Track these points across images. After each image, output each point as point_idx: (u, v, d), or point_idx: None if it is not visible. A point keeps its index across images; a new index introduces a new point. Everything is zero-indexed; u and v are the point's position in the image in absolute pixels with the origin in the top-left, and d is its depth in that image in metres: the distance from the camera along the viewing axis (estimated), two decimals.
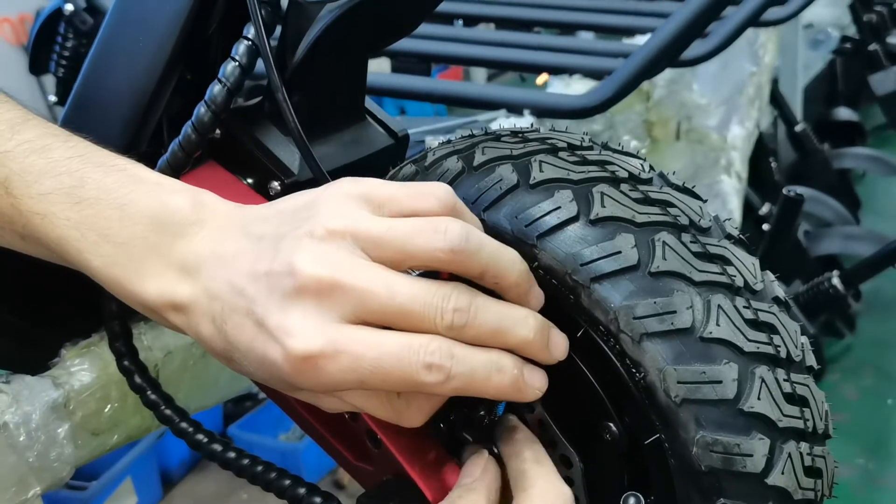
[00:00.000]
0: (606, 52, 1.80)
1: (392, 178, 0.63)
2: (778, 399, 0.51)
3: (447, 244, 0.50)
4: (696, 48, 1.69)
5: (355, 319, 0.49)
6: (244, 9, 0.64)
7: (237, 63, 0.64)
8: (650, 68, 1.42)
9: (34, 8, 2.28)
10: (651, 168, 0.60)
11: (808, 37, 3.67)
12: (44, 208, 0.55)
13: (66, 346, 0.82)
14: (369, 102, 0.77)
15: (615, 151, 0.61)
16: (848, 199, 3.40)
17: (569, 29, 2.46)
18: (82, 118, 0.73)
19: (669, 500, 0.54)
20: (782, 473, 0.51)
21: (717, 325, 0.51)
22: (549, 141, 0.60)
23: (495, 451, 0.58)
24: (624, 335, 0.52)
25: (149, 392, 0.69)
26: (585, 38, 2.63)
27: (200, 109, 0.65)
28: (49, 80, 1.91)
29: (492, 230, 0.55)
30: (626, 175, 0.57)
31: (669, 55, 1.42)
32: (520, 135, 0.62)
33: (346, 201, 0.52)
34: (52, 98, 1.76)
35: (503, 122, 1.46)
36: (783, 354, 0.53)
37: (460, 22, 2.43)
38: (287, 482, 0.64)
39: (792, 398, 0.52)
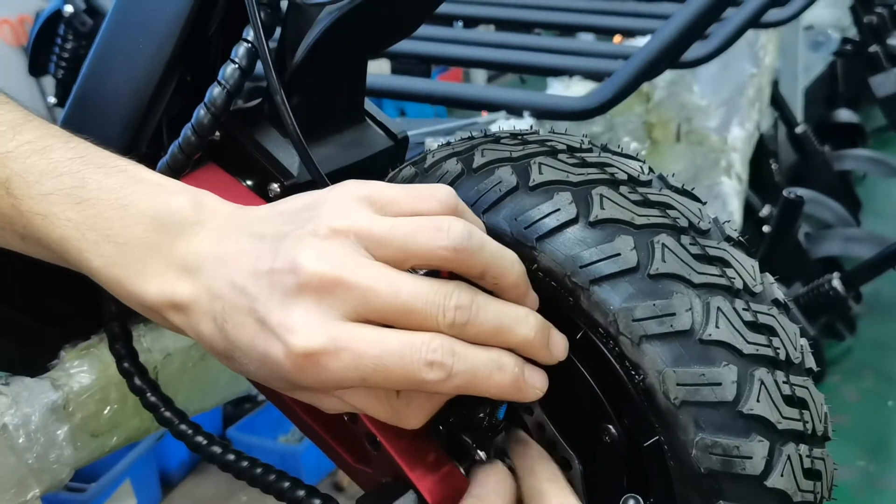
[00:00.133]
0: (606, 54, 1.80)
1: (391, 180, 0.64)
2: (777, 401, 0.51)
3: (450, 242, 0.50)
4: (697, 50, 1.69)
5: (357, 317, 0.50)
6: (244, 11, 0.64)
7: (237, 65, 0.64)
8: (650, 70, 1.42)
9: (34, 9, 2.28)
10: (650, 170, 0.60)
11: (808, 38, 3.67)
12: (45, 209, 0.55)
13: (66, 348, 0.82)
14: (369, 104, 0.77)
15: (614, 154, 0.61)
16: (848, 201, 3.40)
17: (569, 30, 2.46)
18: (82, 119, 0.73)
19: (669, 502, 0.54)
20: (782, 475, 0.51)
21: (717, 327, 0.51)
22: (549, 143, 0.60)
23: (507, 461, 0.58)
24: (623, 337, 0.52)
25: (149, 394, 0.69)
26: (585, 40, 2.63)
27: (200, 112, 0.65)
28: (48, 82, 1.92)
29: (491, 232, 0.55)
30: (625, 177, 0.57)
31: (669, 57, 1.42)
32: (519, 137, 0.62)
33: (349, 202, 0.52)
34: (52, 99, 1.76)
35: (503, 123, 1.46)
36: (782, 356, 0.53)
37: (460, 23, 2.43)
38: (286, 484, 0.64)
39: (791, 400, 0.52)
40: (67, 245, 0.55)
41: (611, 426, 0.56)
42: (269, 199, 0.70)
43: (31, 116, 0.59)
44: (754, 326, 0.53)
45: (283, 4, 0.68)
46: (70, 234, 0.55)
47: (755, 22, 1.75)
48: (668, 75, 1.91)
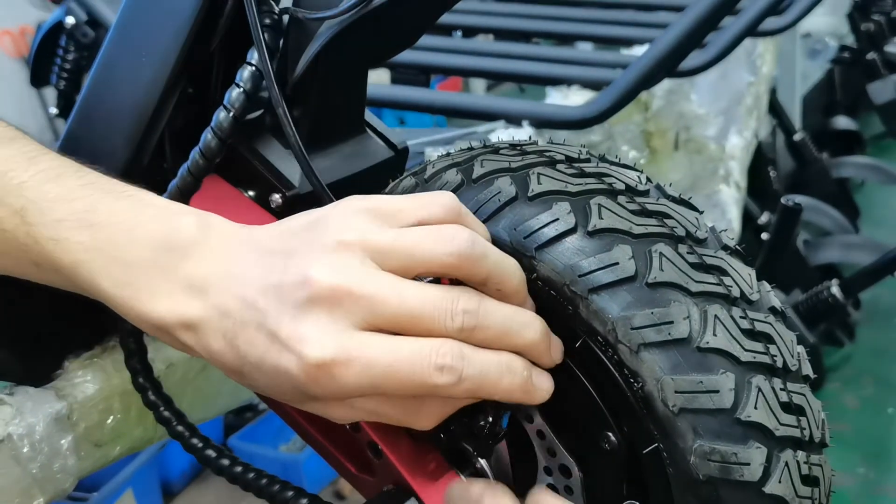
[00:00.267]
0: (605, 63, 1.80)
1: (392, 191, 0.64)
2: (775, 408, 0.52)
3: (454, 249, 0.51)
4: (695, 58, 1.70)
5: (367, 326, 0.50)
6: (246, 25, 0.64)
7: (242, 89, 0.65)
8: (648, 79, 1.42)
9: (35, 20, 2.29)
10: (648, 180, 0.60)
11: (806, 46, 3.68)
12: (57, 234, 0.56)
13: (70, 359, 0.82)
14: (369, 115, 0.78)
15: (612, 163, 0.61)
16: (847, 208, 3.40)
17: (567, 40, 2.47)
18: (86, 132, 0.74)
19: None
20: (779, 482, 0.51)
21: (714, 335, 0.52)
22: (547, 153, 0.61)
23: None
24: (622, 345, 0.52)
25: (162, 409, 0.69)
26: (584, 49, 2.63)
27: (207, 136, 0.66)
28: (50, 93, 1.92)
29: (491, 242, 0.55)
30: (623, 187, 0.58)
31: (668, 66, 1.43)
32: (518, 147, 0.62)
33: (355, 215, 0.53)
34: (53, 110, 1.76)
35: (502, 132, 1.46)
36: (780, 364, 0.53)
37: (459, 33, 2.44)
38: (289, 493, 0.65)
39: (789, 407, 0.53)
40: (79, 269, 0.56)
41: (610, 433, 0.56)
42: (270, 210, 0.70)
43: (45, 150, 0.61)
44: (752, 334, 0.53)
45: (284, 18, 0.68)
46: (81, 258, 0.56)
47: (753, 30, 1.76)
48: (666, 84, 1.91)
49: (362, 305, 0.50)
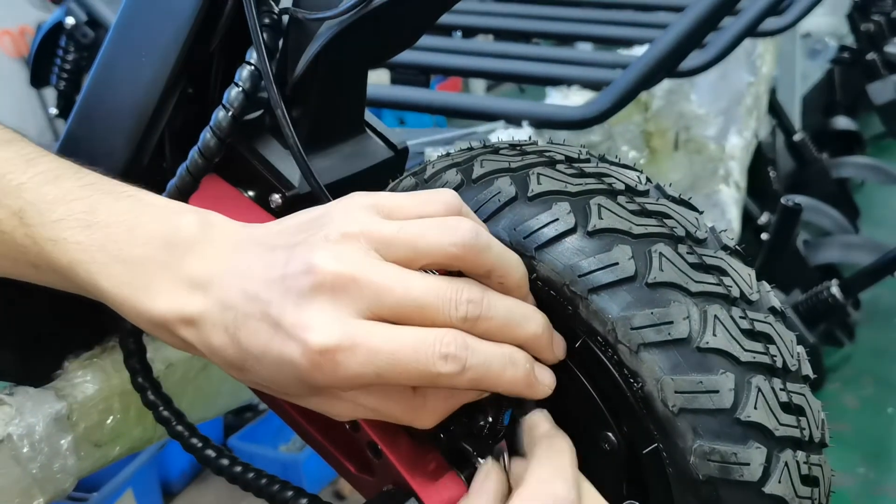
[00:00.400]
0: (605, 63, 1.80)
1: (392, 191, 0.64)
2: (774, 408, 0.52)
3: (459, 239, 0.51)
4: (694, 59, 1.70)
5: (371, 315, 0.50)
6: (246, 25, 0.64)
7: (241, 88, 0.65)
8: (648, 79, 1.42)
9: (35, 21, 2.29)
10: (648, 180, 0.60)
11: (805, 46, 3.68)
12: (56, 234, 0.56)
13: (69, 359, 0.82)
14: (369, 115, 0.78)
15: (612, 164, 0.61)
16: (847, 208, 3.40)
17: (567, 40, 2.47)
18: (86, 132, 0.74)
19: None
20: (779, 482, 0.51)
21: (714, 335, 0.52)
22: (547, 154, 0.61)
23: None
24: (621, 345, 0.52)
25: (161, 408, 0.69)
26: (584, 49, 2.63)
27: (206, 135, 0.66)
28: (50, 93, 1.92)
29: None
30: (623, 187, 0.58)
31: (667, 66, 1.43)
32: (518, 147, 0.62)
33: (358, 210, 0.53)
34: (53, 111, 1.77)
35: (502, 133, 1.46)
36: (779, 364, 0.53)
37: (459, 33, 2.44)
38: (289, 493, 0.65)
39: (788, 407, 0.53)
40: (77, 268, 0.56)
41: (610, 434, 0.56)
42: (270, 210, 0.70)
43: (44, 152, 0.61)
44: (751, 334, 0.53)
45: (284, 18, 0.68)
46: (79, 258, 0.56)
47: (752, 31, 1.76)
48: (666, 84, 1.91)
49: (366, 294, 0.50)
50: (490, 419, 0.59)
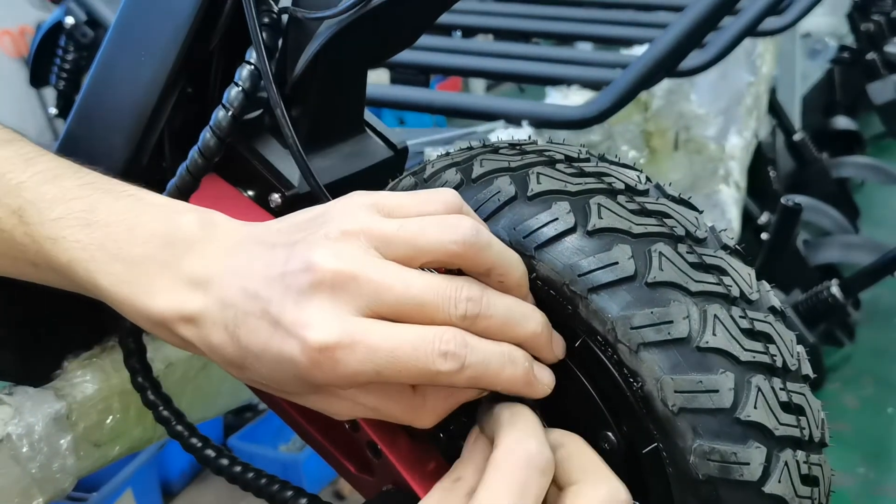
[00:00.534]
0: (604, 63, 1.81)
1: (391, 190, 0.64)
2: (774, 408, 0.52)
3: (459, 237, 0.51)
4: (694, 58, 1.70)
5: (370, 313, 0.50)
6: (245, 24, 0.64)
7: (240, 88, 0.65)
8: (648, 79, 1.42)
9: (35, 20, 2.29)
10: (647, 179, 0.60)
11: (805, 46, 3.68)
12: (55, 233, 0.56)
13: (69, 358, 0.82)
14: (368, 115, 0.78)
15: (612, 163, 0.61)
16: (847, 208, 3.40)
17: (567, 40, 2.47)
18: (85, 132, 0.74)
19: None
20: (779, 482, 0.51)
21: (714, 334, 0.52)
22: (547, 153, 0.61)
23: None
24: (621, 345, 0.52)
25: (161, 408, 0.69)
26: (583, 49, 2.63)
27: (206, 135, 0.66)
28: (49, 93, 1.92)
29: None
30: (622, 186, 0.58)
31: (667, 66, 1.43)
32: (517, 147, 0.62)
33: (358, 208, 0.53)
34: (53, 110, 1.77)
35: (501, 132, 1.46)
36: (779, 363, 0.53)
37: (459, 33, 2.44)
38: (289, 493, 0.65)
39: (788, 407, 0.53)
40: (76, 267, 0.56)
41: (610, 433, 0.56)
42: (270, 210, 0.70)
43: (43, 151, 0.61)
44: (751, 334, 0.53)
45: (284, 18, 0.68)
46: (79, 256, 0.56)
47: (752, 30, 1.76)
48: (666, 84, 1.92)
49: (366, 291, 0.50)
50: None
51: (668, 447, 0.52)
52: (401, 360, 0.49)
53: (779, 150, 3.45)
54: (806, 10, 2.19)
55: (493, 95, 4.39)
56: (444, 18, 2.21)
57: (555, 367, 0.55)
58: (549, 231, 0.55)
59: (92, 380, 0.82)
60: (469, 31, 2.44)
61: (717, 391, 0.51)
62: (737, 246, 0.59)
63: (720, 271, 0.55)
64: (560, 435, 0.55)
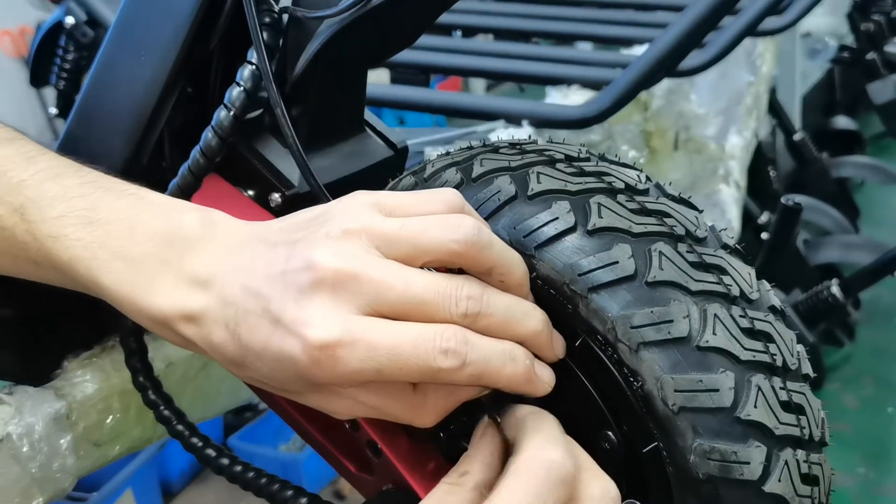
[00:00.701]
0: (604, 63, 1.81)
1: (392, 189, 0.64)
2: (774, 407, 0.52)
3: (460, 236, 0.51)
4: (694, 58, 1.70)
5: (371, 311, 0.50)
6: (246, 24, 0.64)
7: (242, 88, 0.65)
8: (648, 79, 1.42)
9: (35, 20, 2.29)
10: (647, 179, 0.60)
11: (805, 46, 3.68)
12: (56, 231, 0.56)
13: (69, 358, 0.82)
14: (368, 114, 0.78)
15: (612, 163, 0.61)
16: (847, 208, 3.40)
17: (567, 39, 2.47)
18: (85, 131, 0.74)
19: None
20: (779, 481, 0.51)
21: (714, 334, 0.52)
22: (547, 153, 0.61)
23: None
24: (621, 344, 0.52)
25: (161, 408, 0.70)
26: (583, 49, 2.64)
27: (208, 135, 0.66)
28: (49, 93, 1.92)
29: None
30: (622, 186, 0.58)
31: (667, 65, 1.43)
32: (517, 147, 0.62)
33: (359, 207, 0.53)
34: (53, 110, 1.77)
35: (501, 132, 1.46)
36: (779, 363, 0.53)
37: (459, 33, 2.44)
38: (289, 492, 0.65)
39: (788, 406, 0.53)
40: (77, 264, 0.56)
41: (610, 432, 0.56)
42: (270, 209, 0.70)
43: (44, 150, 0.61)
44: (751, 333, 0.53)
45: (284, 17, 0.68)
46: (80, 254, 0.56)
47: (752, 30, 1.76)
48: (665, 84, 1.92)
49: (367, 290, 0.50)
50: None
51: (669, 446, 0.52)
52: (402, 358, 0.49)
53: (779, 149, 3.45)
54: (806, 9, 2.19)
55: (493, 95, 4.40)
56: (444, 18, 2.21)
57: (555, 366, 0.55)
58: (550, 230, 0.55)
59: (92, 379, 0.82)
60: (469, 31, 2.44)
61: (717, 390, 0.51)
62: (737, 245, 0.59)
63: (720, 270, 0.55)
64: (524, 410, 0.55)
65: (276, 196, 0.70)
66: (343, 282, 0.50)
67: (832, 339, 2.91)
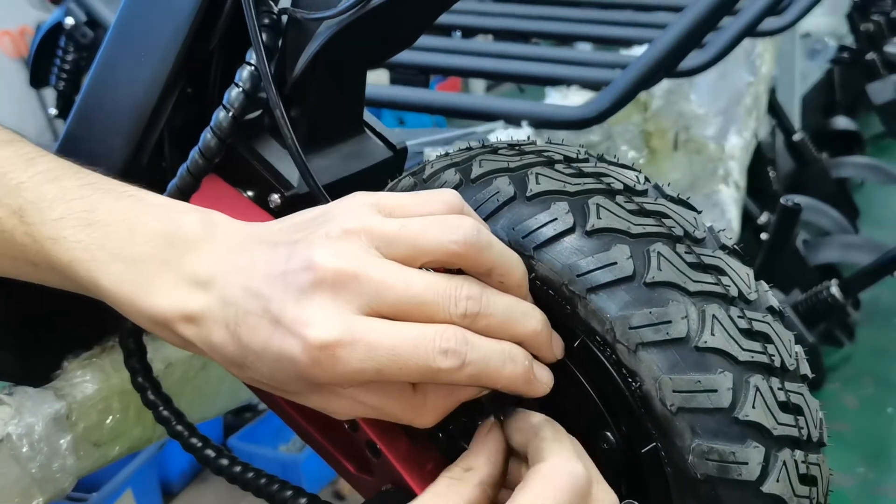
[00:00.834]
0: (604, 63, 1.81)
1: (391, 190, 0.64)
2: (772, 407, 0.52)
3: (460, 237, 0.51)
4: (694, 59, 1.70)
5: (371, 312, 0.50)
6: (245, 25, 0.64)
7: (241, 89, 0.65)
8: (648, 79, 1.42)
9: (34, 21, 2.29)
10: (646, 180, 0.60)
11: (805, 46, 3.68)
12: (56, 233, 0.57)
13: (69, 359, 0.82)
14: (368, 115, 0.78)
15: (610, 164, 0.61)
16: (846, 208, 3.40)
17: (566, 40, 2.47)
18: (85, 132, 0.74)
19: None
20: (777, 481, 0.51)
21: (712, 334, 0.52)
22: (546, 153, 0.61)
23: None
24: (620, 345, 0.53)
25: (161, 408, 0.70)
26: (583, 49, 2.64)
27: (207, 135, 0.66)
28: (49, 93, 1.92)
29: None
30: (621, 187, 0.58)
31: (667, 66, 1.43)
32: (516, 147, 0.63)
33: (359, 208, 0.53)
34: (53, 111, 1.77)
35: (501, 133, 1.46)
36: (777, 363, 0.53)
37: (458, 33, 2.44)
38: (288, 493, 0.65)
39: (786, 406, 0.53)
40: (77, 266, 0.56)
41: (609, 433, 0.56)
42: (269, 210, 0.70)
43: (43, 152, 0.61)
44: (749, 334, 0.53)
45: (283, 18, 0.68)
46: (80, 256, 0.56)
47: (752, 31, 1.76)
48: (665, 84, 1.92)
49: (367, 290, 0.50)
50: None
51: (667, 447, 0.52)
52: (401, 358, 0.50)
53: (778, 150, 3.45)
54: (805, 10, 2.19)
55: (492, 96, 4.39)
56: (444, 19, 2.21)
57: (554, 366, 0.55)
58: (548, 231, 0.55)
59: (92, 380, 0.82)
60: (469, 32, 2.44)
61: (715, 391, 0.51)
62: (735, 246, 0.59)
63: (718, 271, 0.55)
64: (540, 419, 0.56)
65: (275, 197, 0.70)
66: (343, 282, 0.50)
67: (832, 340, 2.91)
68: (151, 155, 0.73)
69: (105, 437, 0.84)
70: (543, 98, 1.69)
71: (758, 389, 0.52)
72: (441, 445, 0.61)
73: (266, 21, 0.66)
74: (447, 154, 0.65)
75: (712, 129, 2.18)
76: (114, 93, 0.72)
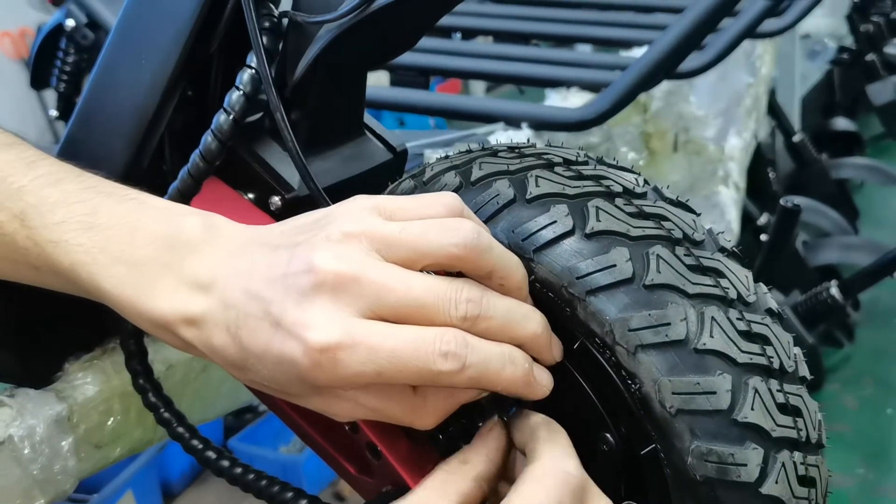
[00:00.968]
0: (604, 65, 1.81)
1: (391, 193, 0.64)
2: (771, 409, 0.52)
3: (460, 240, 0.51)
4: (693, 60, 1.70)
5: (371, 314, 0.51)
6: (246, 28, 0.65)
7: (242, 92, 0.66)
8: (647, 80, 1.42)
9: (35, 22, 2.29)
10: (645, 182, 0.60)
11: (805, 47, 3.68)
12: (57, 236, 0.57)
13: (70, 360, 0.83)
14: (368, 117, 0.78)
15: (610, 166, 0.62)
16: (846, 209, 3.40)
17: (566, 42, 2.47)
18: (86, 134, 0.74)
19: None
20: (776, 483, 0.51)
21: (711, 336, 0.52)
22: (545, 156, 0.61)
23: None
24: (619, 347, 0.53)
25: (162, 410, 0.70)
26: (583, 51, 2.64)
27: (207, 138, 0.66)
28: (50, 95, 1.92)
29: None
30: (620, 189, 0.58)
31: (666, 67, 1.43)
32: (516, 150, 0.63)
33: (360, 211, 0.53)
34: (53, 113, 1.77)
35: (501, 135, 1.46)
36: (776, 365, 0.53)
37: (458, 35, 2.44)
38: (289, 494, 0.65)
39: (785, 408, 0.53)
40: (78, 269, 0.56)
41: (608, 435, 0.56)
42: (270, 213, 0.70)
43: (44, 155, 0.62)
44: (748, 335, 0.53)
45: (284, 21, 0.68)
46: (81, 259, 0.56)
47: (752, 32, 1.76)
48: (665, 86, 1.91)
49: (367, 293, 0.50)
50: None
51: (666, 448, 0.53)
52: (402, 361, 0.50)
53: (778, 151, 3.45)
54: (805, 11, 2.19)
55: (492, 97, 4.40)
56: (444, 20, 2.20)
57: (553, 369, 0.55)
58: (548, 234, 0.55)
59: (93, 381, 0.82)
60: (469, 34, 2.44)
61: (714, 393, 0.51)
62: (734, 248, 0.59)
63: (717, 273, 0.55)
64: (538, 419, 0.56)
65: (275, 199, 0.70)
66: (343, 284, 0.50)
67: (832, 341, 2.91)
68: (152, 158, 0.73)
69: (106, 439, 0.84)
70: (543, 100, 1.69)
71: (756, 391, 0.52)
72: (441, 447, 0.61)
73: (267, 24, 0.66)
74: (447, 156, 0.65)
75: (712, 131, 2.18)
76: (115, 95, 0.72)
